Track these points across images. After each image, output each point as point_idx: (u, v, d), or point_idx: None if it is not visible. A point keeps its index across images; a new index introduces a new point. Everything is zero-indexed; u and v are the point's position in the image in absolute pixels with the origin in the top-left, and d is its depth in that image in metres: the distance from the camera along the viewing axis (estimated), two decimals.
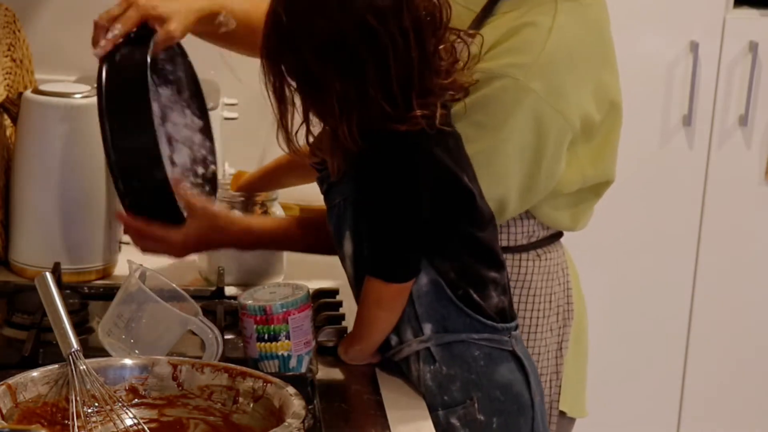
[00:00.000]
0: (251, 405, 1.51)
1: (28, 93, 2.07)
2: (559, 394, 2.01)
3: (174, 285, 1.77)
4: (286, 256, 2.13)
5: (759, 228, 3.42)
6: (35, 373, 1.49)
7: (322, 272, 2.14)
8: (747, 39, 3.31)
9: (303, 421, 1.42)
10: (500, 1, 1.92)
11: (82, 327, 1.84)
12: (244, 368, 1.55)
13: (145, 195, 1.82)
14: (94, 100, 2.04)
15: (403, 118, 1.67)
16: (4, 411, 1.43)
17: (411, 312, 1.74)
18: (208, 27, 2.02)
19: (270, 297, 1.72)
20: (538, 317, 1.97)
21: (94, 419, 1.49)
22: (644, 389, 3.48)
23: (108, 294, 1.87)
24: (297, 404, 1.45)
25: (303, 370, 1.72)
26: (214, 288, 2.01)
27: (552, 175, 1.89)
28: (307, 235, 1.93)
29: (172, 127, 2.01)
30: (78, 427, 1.45)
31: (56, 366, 1.51)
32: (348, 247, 1.75)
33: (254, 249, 2.02)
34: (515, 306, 1.92)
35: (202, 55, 2.75)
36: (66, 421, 1.47)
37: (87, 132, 2.03)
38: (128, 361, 1.56)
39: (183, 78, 2.05)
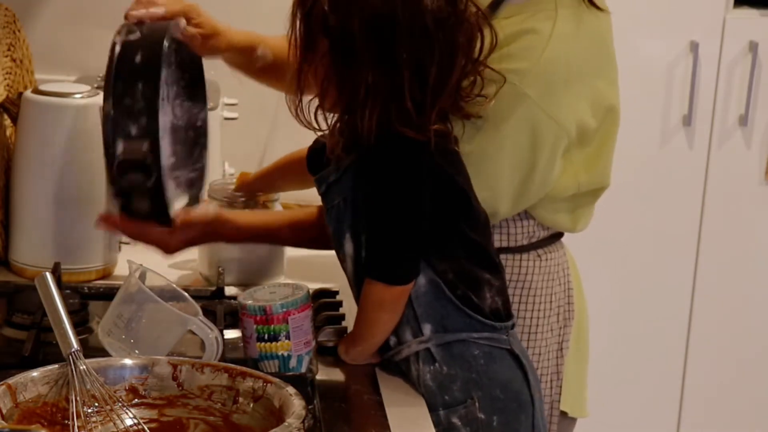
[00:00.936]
0: (251, 405, 1.51)
1: (28, 93, 2.07)
2: (560, 394, 2.01)
3: (174, 285, 1.77)
4: (286, 256, 2.13)
5: (759, 228, 3.42)
6: (35, 373, 1.49)
7: (322, 272, 2.14)
8: (747, 39, 3.31)
9: (303, 421, 1.42)
10: (501, 6, 1.92)
11: (82, 327, 1.84)
12: (244, 368, 1.55)
13: (138, 194, 1.81)
14: (94, 100, 2.05)
15: (417, 126, 1.66)
16: (4, 411, 1.43)
17: (410, 313, 1.74)
18: (246, 59, 2.02)
19: (270, 297, 1.72)
20: (538, 317, 1.97)
21: (94, 419, 1.49)
22: (644, 389, 3.48)
23: (108, 294, 1.87)
24: (297, 404, 1.45)
25: (303, 370, 1.72)
26: (214, 288, 2.01)
27: (545, 181, 1.90)
28: (296, 234, 1.95)
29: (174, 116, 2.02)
30: (78, 427, 1.45)
31: (56, 366, 1.51)
32: (349, 247, 1.75)
33: (239, 243, 2.02)
34: (515, 306, 1.92)
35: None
36: (66, 421, 1.47)
37: (87, 132, 2.03)
38: (128, 361, 1.56)
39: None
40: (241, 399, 1.52)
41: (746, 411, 3.52)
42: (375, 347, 1.78)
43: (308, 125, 1.73)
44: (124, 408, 1.51)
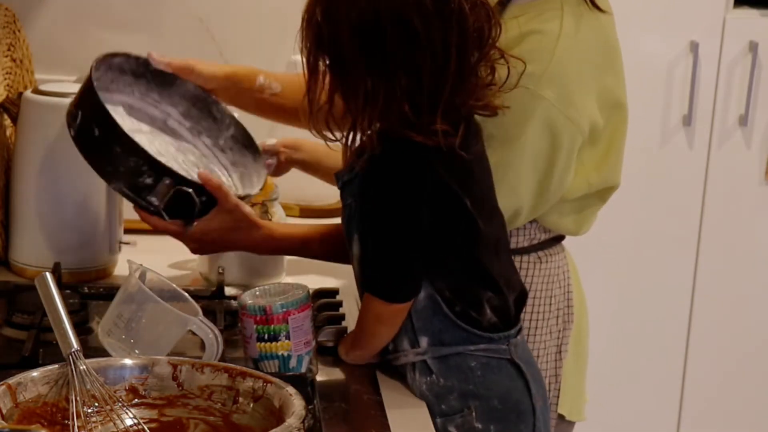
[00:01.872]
0: (251, 405, 1.51)
1: (28, 93, 2.08)
2: (558, 397, 2.01)
3: (174, 285, 1.77)
4: (286, 256, 2.13)
5: (759, 228, 3.42)
6: (35, 373, 1.49)
7: (322, 272, 2.14)
8: (747, 39, 3.31)
9: (303, 421, 1.42)
10: (508, 6, 1.91)
11: (82, 327, 1.84)
12: (244, 368, 1.55)
13: (164, 199, 1.84)
14: None
15: (422, 129, 1.64)
16: (4, 411, 1.43)
17: (408, 324, 1.73)
18: (247, 90, 2.03)
19: (270, 297, 1.72)
20: (537, 320, 1.97)
21: (94, 419, 1.49)
22: (644, 390, 3.48)
23: (108, 294, 1.87)
24: (297, 404, 1.45)
25: (303, 370, 1.72)
26: (214, 288, 2.01)
27: (562, 182, 1.89)
28: (326, 248, 1.92)
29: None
30: (78, 427, 1.45)
31: (56, 366, 1.51)
32: (356, 248, 1.74)
33: (268, 254, 2.01)
34: None
35: (202, 55, 2.76)
36: (66, 421, 1.47)
37: None
38: (128, 361, 1.56)
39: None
40: (241, 399, 1.52)
41: (746, 410, 3.52)
42: (374, 353, 1.77)
43: (322, 136, 1.71)
44: (124, 408, 1.51)
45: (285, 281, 2.05)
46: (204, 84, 2.04)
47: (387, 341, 1.75)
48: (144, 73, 2.01)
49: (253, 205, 2.09)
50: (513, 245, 1.93)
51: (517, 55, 1.76)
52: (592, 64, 1.90)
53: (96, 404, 1.49)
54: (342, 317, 1.91)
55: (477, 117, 1.75)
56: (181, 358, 1.58)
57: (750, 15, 3.35)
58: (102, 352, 1.67)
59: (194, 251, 1.93)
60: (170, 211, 1.84)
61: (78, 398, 1.47)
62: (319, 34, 1.66)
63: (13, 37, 2.31)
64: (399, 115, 1.63)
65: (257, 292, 1.74)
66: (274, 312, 1.69)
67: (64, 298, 1.59)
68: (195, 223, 1.86)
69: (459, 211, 1.70)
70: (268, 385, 1.51)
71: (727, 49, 3.31)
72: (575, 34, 1.86)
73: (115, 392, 1.52)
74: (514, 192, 1.85)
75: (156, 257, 2.04)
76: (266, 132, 2.24)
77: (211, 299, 1.96)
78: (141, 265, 1.75)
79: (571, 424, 2.08)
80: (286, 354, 1.70)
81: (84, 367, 1.50)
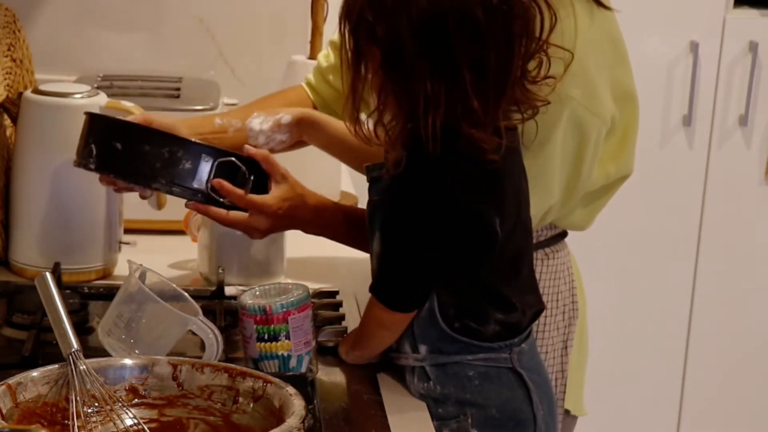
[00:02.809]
0: (251, 405, 1.51)
1: (28, 93, 2.07)
2: (564, 392, 2.01)
3: (174, 285, 1.77)
4: (286, 256, 2.13)
5: (759, 228, 3.43)
6: (35, 373, 1.49)
7: (322, 272, 2.14)
8: (747, 39, 3.31)
9: (303, 421, 1.42)
10: None
11: (82, 327, 1.84)
12: (244, 368, 1.55)
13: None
14: (94, 100, 2.06)
15: (487, 125, 1.59)
16: (4, 411, 1.43)
17: (409, 329, 1.71)
18: (210, 134, 2.01)
19: (270, 297, 1.72)
20: (545, 316, 1.97)
21: (94, 419, 1.49)
22: (644, 389, 3.48)
23: (108, 294, 1.87)
24: (297, 404, 1.45)
25: (303, 370, 1.71)
26: (214, 288, 2.01)
27: (590, 176, 1.91)
28: (355, 232, 1.88)
29: None
30: (78, 427, 1.45)
31: (56, 366, 1.51)
32: (376, 245, 1.71)
33: (324, 230, 1.91)
34: None
35: (202, 54, 2.76)
36: (66, 421, 1.47)
37: None
38: (128, 361, 1.56)
39: None
40: (241, 399, 1.52)
41: (746, 410, 3.53)
42: (374, 354, 1.77)
43: (368, 141, 1.66)
44: (124, 408, 1.51)
45: (285, 281, 2.05)
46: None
47: (388, 345, 1.74)
48: None
49: None
50: None
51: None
52: (606, 57, 1.91)
53: (96, 404, 1.49)
54: (342, 317, 1.91)
55: None
56: (181, 358, 1.58)
57: (750, 15, 3.35)
58: (102, 352, 1.67)
59: (265, 233, 1.88)
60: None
61: (78, 398, 1.47)
62: (371, 35, 1.60)
63: (13, 37, 2.31)
64: (465, 113, 1.58)
65: (257, 292, 1.74)
66: (274, 312, 1.69)
67: (64, 298, 1.59)
68: (249, 195, 1.82)
69: (480, 235, 1.65)
70: (268, 385, 1.51)
71: (727, 49, 3.32)
72: (590, 30, 1.86)
73: (115, 392, 1.52)
74: (549, 193, 1.85)
75: (156, 257, 2.04)
76: None
77: (211, 299, 1.96)
78: (141, 265, 1.75)
79: (575, 418, 2.09)
80: (286, 354, 1.70)
81: (84, 367, 1.50)
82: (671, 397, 3.50)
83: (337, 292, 2.01)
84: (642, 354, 3.46)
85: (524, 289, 1.75)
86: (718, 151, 3.37)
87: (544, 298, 1.94)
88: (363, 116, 1.66)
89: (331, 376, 1.75)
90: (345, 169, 2.58)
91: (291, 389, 1.48)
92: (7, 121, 2.16)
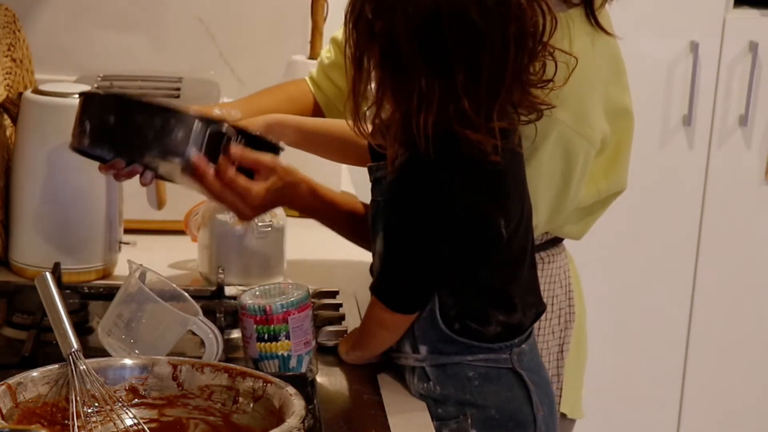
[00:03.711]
0: (251, 405, 1.51)
1: (28, 93, 2.07)
2: (560, 396, 2.01)
3: (174, 285, 1.77)
4: (286, 256, 2.13)
5: (759, 228, 3.43)
6: (35, 373, 1.49)
7: (322, 272, 2.14)
8: (747, 39, 3.31)
9: (303, 421, 1.42)
10: None
11: (82, 327, 1.84)
12: (244, 368, 1.55)
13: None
14: None
15: (480, 127, 1.59)
16: (4, 411, 1.43)
17: (410, 329, 1.71)
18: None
19: (270, 297, 1.72)
20: (540, 320, 1.96)
21: (94, 419, 1.49)
22: (644, 389, 3.48)
23: (108, 294, 1.87)
24: (297, 404, 1.45)
25: (303, 370, 1.72)
26: (214, 288, 2.01)
27: (577, 195, 1.91)
28: (353, 226, 1.87)
29: None
30: (78, 427, 1.45)
31: (56, 366, 1.51)
32: (379, 245, 1.72)
33: (312, 213, 1.89)
34: None
35: (202, 54, 2.76)
36: (66, 421, 1.47)
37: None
38: (128, 361, 1.56)
39: None
40: (241, 399, 1.52)
41: (746, 411, 3.52)
42: (374, 355, 1.77)
43: (366, 137, 1.67)
44: (124, 408, 1.51)
45: (285, 281, 2.05)
46: None
47: (389, 345, 1.74)
48: None
49: None
50: None
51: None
52: (601, 78, 1.90)
53: (96, 404, 1.49)
54: (342, 317, 1.90)
55: None
56: (181, 358, 1.58)
57: (750, 15, 3.35)
58: (102, 352, 1.67)
59: (250, 215, 1.84)
60: (212, 157, 1.79)
61: (78, 398, 1.47)
62: (370, 31, 1.60)
63: (13, 37, 2.31)
64: (457, 114, 1.58)
65: (257, 292, 1.74)
66: (274, 312, 1.69)
67: (64, 298, 1.59)
68: (237, 178, 1.78)
69: (484, 236, 1.65)
70: (268, 385, 1.51)
71: (727, 49, 3.32)
72: (587, 53, 1.84)
73: (115, 392, 1.52)
74: (534, 210, 1.85)
75: (156, 257, 2.04)
76: None
77: (211, 299, 1.96)
78: (141, 265, 1.75)
79: (572, 422, 2.09)
80: (286, 354, 1.70)
81: (84, 367, 1.50)
82: (671, 398, 3.50)
83: (337, 292, 2.01)
84: (642, 354, 3.46)
85: (526, 288, 1.75)
86: (718, 151, 3.37)
87: None
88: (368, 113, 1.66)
89: (331, 376, 1.75)
90: (345, 169, 2.58)
91: (291, 389, 1.48)
92: (7, 121, 2.16)
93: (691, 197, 3.39)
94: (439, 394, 1.72)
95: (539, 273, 1.95)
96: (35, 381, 1.48)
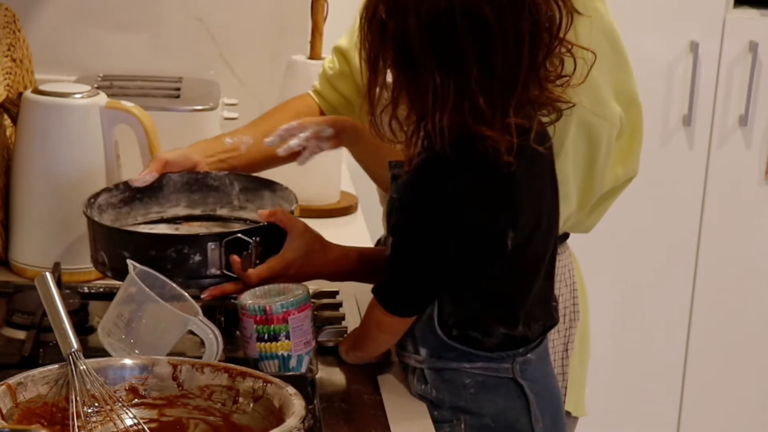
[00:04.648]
0: (251, 405, 1.51)
1: (28, 93, 2.07)
2: (565, 394, 2.01)
3: (174, 285, 1.77)
4: None
5: (759, 228, 3.43)
6: (35, 373, 1.49)
7: None
8: (747, 39, 3.31)
9: (303, 421, 1.42)
10: None
11: (82, 327, 1.84)
12: (244, 368, 1.55)
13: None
14: (94, 100, 2.06)
15: (495, 124, 1.57)
16: (4, 411, 1.43)
17: (411, 331, 1.71)
18: (223, 152, 1.99)
19: (270, 297, 1.72)
20: None
21: (94, 419, 1.49)
22: (644, 389, 3.48)
23: (108, 294, 1.87)
24: (297, 404, 1.45)
25: (303, 370, 1.72)
26: None
27: (603, 178, 1.92)
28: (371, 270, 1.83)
29: None
30: (78, 427, 1.45)
31: (56, 366, 1.51)
32: (390, 242, 1.70)
33: (344, 277, 1.86)
34: None
35: (202, 54, 2.76)
36: (66, 421, 1.47)
37: (87, 132, 2.03)
38: (128, 361, 1.56)
39: None
40: (241, 399, 1.52)
41: (746, 411, 3.53)
42: (373, 356, 1.76)
43: (383, 138, 1.65)
44: (124, 408, 1.51)
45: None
46: (190, 168, 1.97)
47: (387, 348, 1.74)
48: (132, 196, 1.95)
49: None
50: None
51: None
52: (609, 62, 1.91)
53: (96, 404, 1.49)
54: (342, 317, 1.91)
55: None
56: (181, 358, 1.58)
57: (750, 15, 3.35)
58: (102, 352, 1.67)
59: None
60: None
61: (78, 398, 1.47)
62: (384, 31, 1.59)
63: (13, 37, 2.31)
64: (472, 111, 1.57)
65: (257, 292, 1.74)
66: (274, 312, 1.69)
67: (64, 298, 1.59)
68: (257, 263, 1.78)
69: (486, 246, 1.63)
70: (268, 385, 1.51)
71: (727, 49, 3.32)
72: (591, 37, 1.84)
73: (115, 392, 1.52)
74: (567, 201, 1.85)
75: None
76: None
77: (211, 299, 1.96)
78: (141, 265, 1.75)
79: (576, 420, 2.09)
80: (286, 354, 1.70)
81: (84, 367, 1.50)
82: (671, 397, 3.50)
83: (337, 292, 2.01)
84: (642, 354, 3.46)
85: (535, 300, 1.71)
86: (718, 151, 3.37)
87: None
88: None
89: (331, 376, 1.75)
90: (345, 169, 2.58)
91: (291, 389, 1.48)
92: (7, 121, 2.16)
93: (691, 197, 3.39)
94: (434, 397, 1.71)
95: None
96: (35, 381, 1.49)
